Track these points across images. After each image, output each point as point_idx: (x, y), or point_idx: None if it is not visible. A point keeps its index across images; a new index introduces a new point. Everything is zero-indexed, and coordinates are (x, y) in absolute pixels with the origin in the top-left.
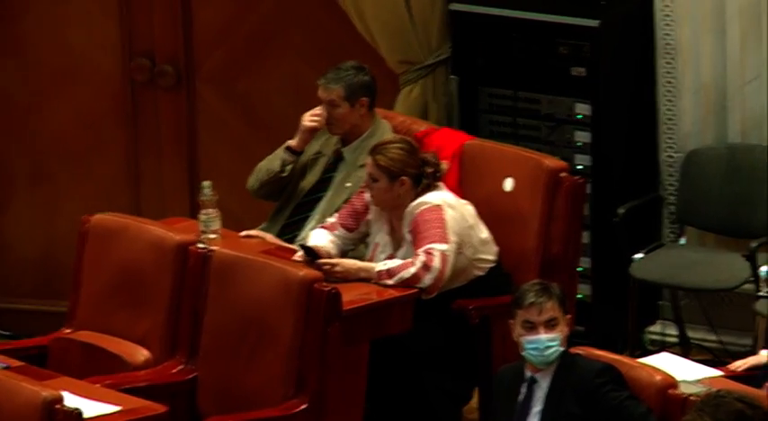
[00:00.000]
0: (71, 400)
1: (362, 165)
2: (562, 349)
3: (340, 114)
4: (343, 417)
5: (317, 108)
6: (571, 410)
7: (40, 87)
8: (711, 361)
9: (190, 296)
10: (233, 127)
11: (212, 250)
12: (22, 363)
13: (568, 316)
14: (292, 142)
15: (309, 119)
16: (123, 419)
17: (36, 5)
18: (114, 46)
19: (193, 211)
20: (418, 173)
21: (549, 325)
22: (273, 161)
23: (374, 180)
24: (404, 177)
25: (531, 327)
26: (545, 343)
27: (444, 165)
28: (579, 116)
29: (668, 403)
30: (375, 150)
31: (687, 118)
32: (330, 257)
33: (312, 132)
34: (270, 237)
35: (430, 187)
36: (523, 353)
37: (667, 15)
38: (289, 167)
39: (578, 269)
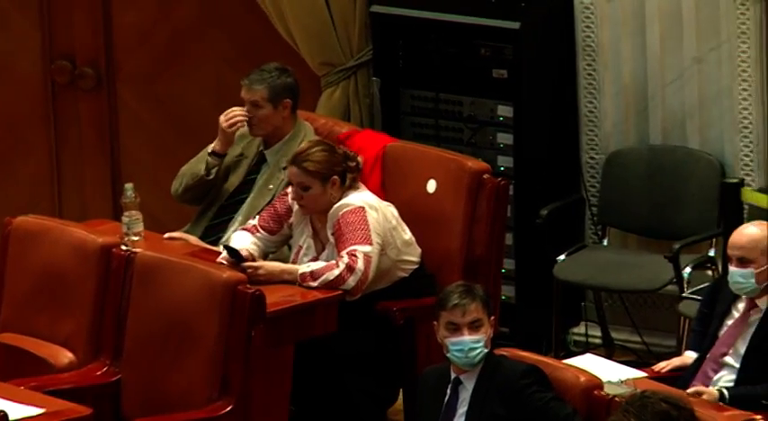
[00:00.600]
0: None
1: (285, 168)
2: (486, 350)
3: (263, 115)
4: (268, 419)
5: (233, 108)
6: (496, 411)
7: None
8: (635, 362)
9: (113, 298)
10: (154, 129)
11: (135, 252)
12: None
13: (492, 318)
14: (215, 145)
15: (226, 121)
16: None
17: None
18: (35, 49)
19: (116, 213)
20: (343, 169)
21: (473, 326)
22: (197, 165)
23: (305, 188)
24: (334, 177)
25: (455, 329)
26: (469, 344)
27: (360, 157)
28: (501, 118)
29: (593, 404)
30: (298, 159)
31: (608, 119)
32: (253, 260)
33: (232, 134)
34: (193, 240)
35: (355, 182)
36: (448, 355)
37: (588, 17)
38: (214, 170)
39: (502, 270)
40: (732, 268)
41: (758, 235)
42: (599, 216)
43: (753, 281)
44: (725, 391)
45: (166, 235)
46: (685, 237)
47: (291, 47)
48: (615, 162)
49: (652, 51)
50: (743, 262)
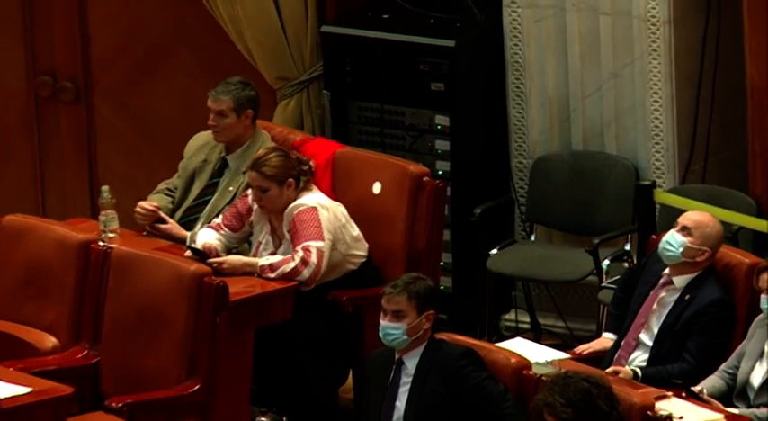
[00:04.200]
0: None
1: (245, 172)
2: (406, 338)
3: (227, 124)
4: (231, 397)
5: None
6: (436, 389)
7: None
8: (560, 345)
9: (92, 289)
10: (128, 137)
11: (112, 247)
12: None
13: (430, 312)
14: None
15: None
16: (34, 399)
17: None
18: (19, 65)
19: (94, 213)
20: (298, 173)
21: (396, 315)
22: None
23: (264, 190)
24: (290, 179)
25: (383, 314)
26: (386, 329)
27: (312, 162)
28: (439, 126)
29: (523, 383)
30: (256, 165)
31: (535, 127)
32: (217, 255)
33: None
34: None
35: (308, 184)
36: None
37: (516, 36)
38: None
39: (440, 263)
40: (673, 231)
41: (711, 221)
42: (527, 214)
43: (681, 250)
44: (638, 371)
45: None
46: (604, 233)
47: (250, 63)
48: (541, 166)
49: (573, 67)
50: (684, 230)
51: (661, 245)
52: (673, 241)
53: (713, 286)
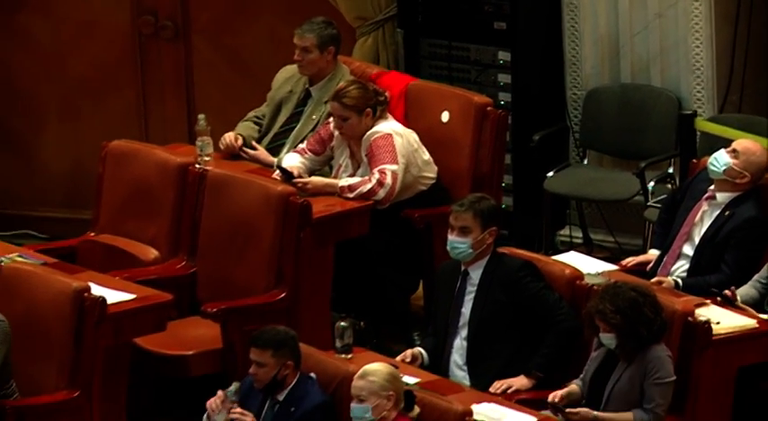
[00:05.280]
0: (96, 290)
1: (327, 102)
2: (471, 251)
3: (311, 59)
4: (314, 304)
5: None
6: (498, 297)
7: (66, 38)
8: (610, 258)
9: (189, 206)
10: (221, 71)
11: (207, 170)
12: (57, 260)
13: (493, 228)
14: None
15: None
16: (138, 305)
17: None
18: (125, 5)
19: (191, 139)
20: (374, 103)
21: (463, 231)
22: (249, 130)
23: (344, 119)
24: (368, 109)
25: (451, 230)
26: (453, 243)
27: (388, 93)
28: (501, 61)
29: (576, 292)
30: (338, 96)
31: (588, 62)
32: (301, 177)
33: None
34: (264, 154)
35: (384, 113)
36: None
37: None
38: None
39: (502, 184)
40: (723, 150)
41: (759, 151)
42: (580, 140)
43: (724, 169)
44: (679, 281)
45: (250, 153)
46: (649, 158)
47: (332, 4)
48: (593, 97)
49: (622, 8)
50: (733, 152)
51: (710, 159)
52: (720, 158)
53: (752, 205)
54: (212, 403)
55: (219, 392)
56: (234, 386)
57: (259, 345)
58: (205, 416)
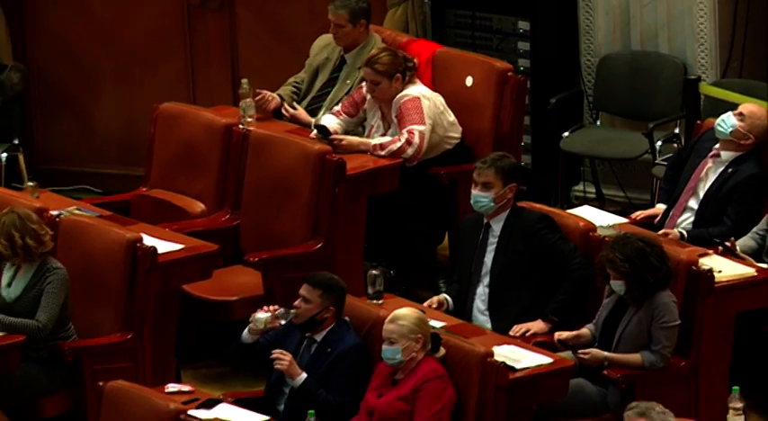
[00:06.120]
0: (148, 240)
1: (360, 67)
2: (493, 205)
3: (344, 32)
4: (348, 254)
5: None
6: (517, 248)
7: (121, 7)
8: (620, 211)
9: (234, 164)
10: (263, 39)
11: (250, 130)
12: (111, 213)
13: (513, 184)
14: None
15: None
16: (186, 254)
17: None
18: None
19: (235, 101)
20: (404, 69)
21: (485, 186)
22: (287, 91)
23: (376, 83)
24: (398, 74)
25: (475, 185)
26: (476, 198)
27: (416, 60)
28: (521, 30)
29: (589, 242)
30: (370, 62)
31: (601, 31)
32: (337, 134)
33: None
34: (304, 114)
35: (413, 78)
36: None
37: None
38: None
39: (522, 144)
40: (730, 112)
41: (764, 115)
42: (593, 103)
43: (730, 130)
44: (684, 232)
45: (291, 111)
46: (657, 119)
47: None
48: (605, 63)
49: None
50: (740, 115)
51: (718, 120)
52: (727, 119)
53: (754, 163)
54: (259, 310)
55: (269, 307)
56: (284, 309)
57: (311, 283)
58: (246, 330)
